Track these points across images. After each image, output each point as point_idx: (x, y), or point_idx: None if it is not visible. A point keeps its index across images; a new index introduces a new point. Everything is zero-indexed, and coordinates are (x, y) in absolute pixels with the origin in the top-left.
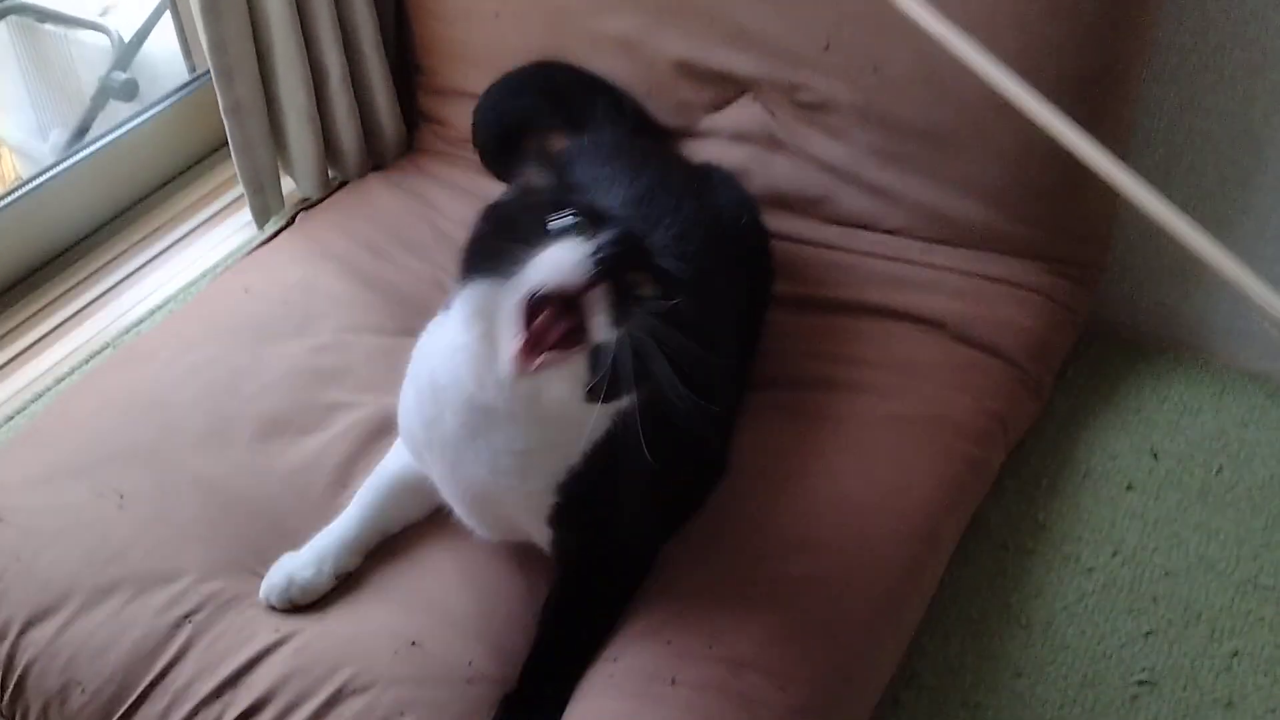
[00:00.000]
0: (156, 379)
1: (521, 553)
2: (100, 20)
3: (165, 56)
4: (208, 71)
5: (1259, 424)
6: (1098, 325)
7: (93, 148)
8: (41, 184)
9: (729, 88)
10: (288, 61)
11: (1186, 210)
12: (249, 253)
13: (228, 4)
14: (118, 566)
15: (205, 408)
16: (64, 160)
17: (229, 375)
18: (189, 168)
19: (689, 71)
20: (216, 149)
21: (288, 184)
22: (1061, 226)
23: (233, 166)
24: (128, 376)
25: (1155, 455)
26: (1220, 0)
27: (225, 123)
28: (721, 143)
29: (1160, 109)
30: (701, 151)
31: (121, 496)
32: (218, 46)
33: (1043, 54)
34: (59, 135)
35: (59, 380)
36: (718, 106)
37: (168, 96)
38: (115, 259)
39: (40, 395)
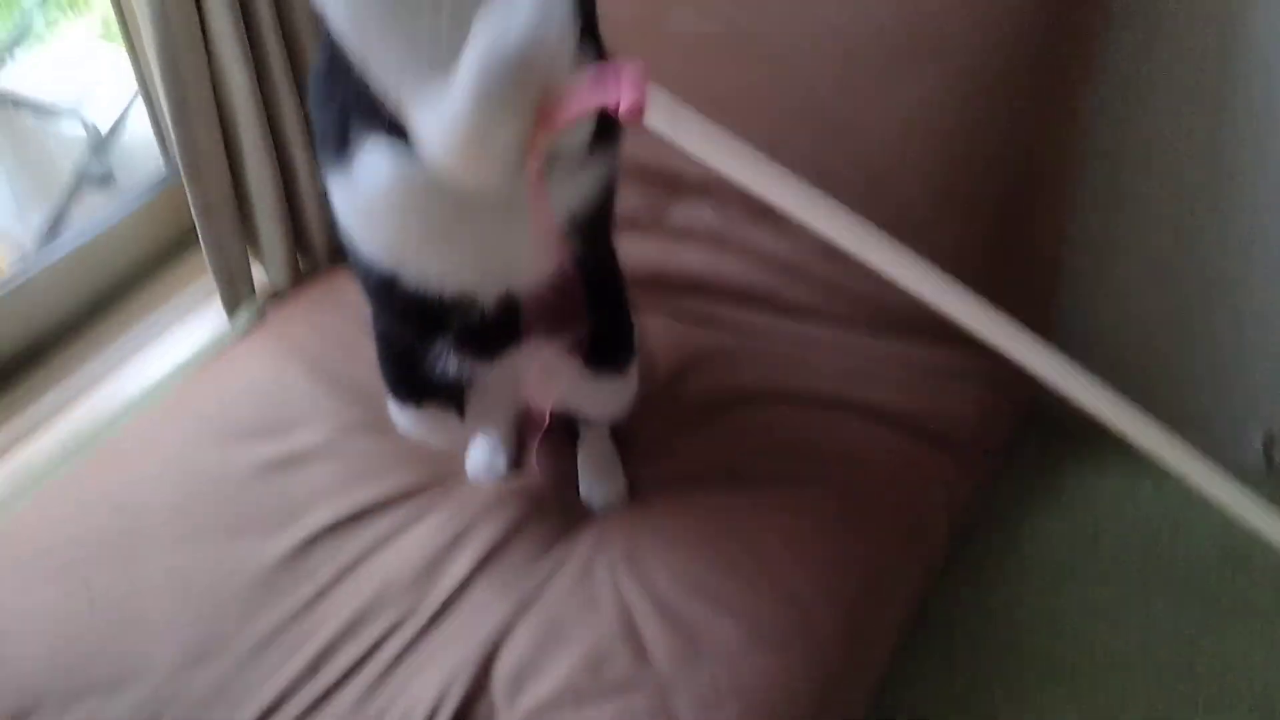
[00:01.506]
0: (129, 481)
1: None
2: (76, 109)
3: (140, 143)
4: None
5: (1199, 507)
6: (1039, 410)
7: (70, 245)
8: (19, 282)
9: (680, 188)
10: (257, 160)
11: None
12: (222, 351)
13: (196, 105)
14: (90, 668)
15: (177, 508)
16: (40, 258)
17: (200, 477)
18: (163, 258)
19: (643, 173)
20: (190, 238)
21: (258, 270)
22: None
23: (202, 256)
24: (102, 478)
25: (1096, 540)
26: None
27: (196, 220)
28: (670, 239)
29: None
30: (651, 246)
31: (92, 597)
32: (188, 146)
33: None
34: (37, 221)
35: (36, 478)
36: (669, 205)
37: (143, 191)
38: (91, 352)
39: (18, 492)
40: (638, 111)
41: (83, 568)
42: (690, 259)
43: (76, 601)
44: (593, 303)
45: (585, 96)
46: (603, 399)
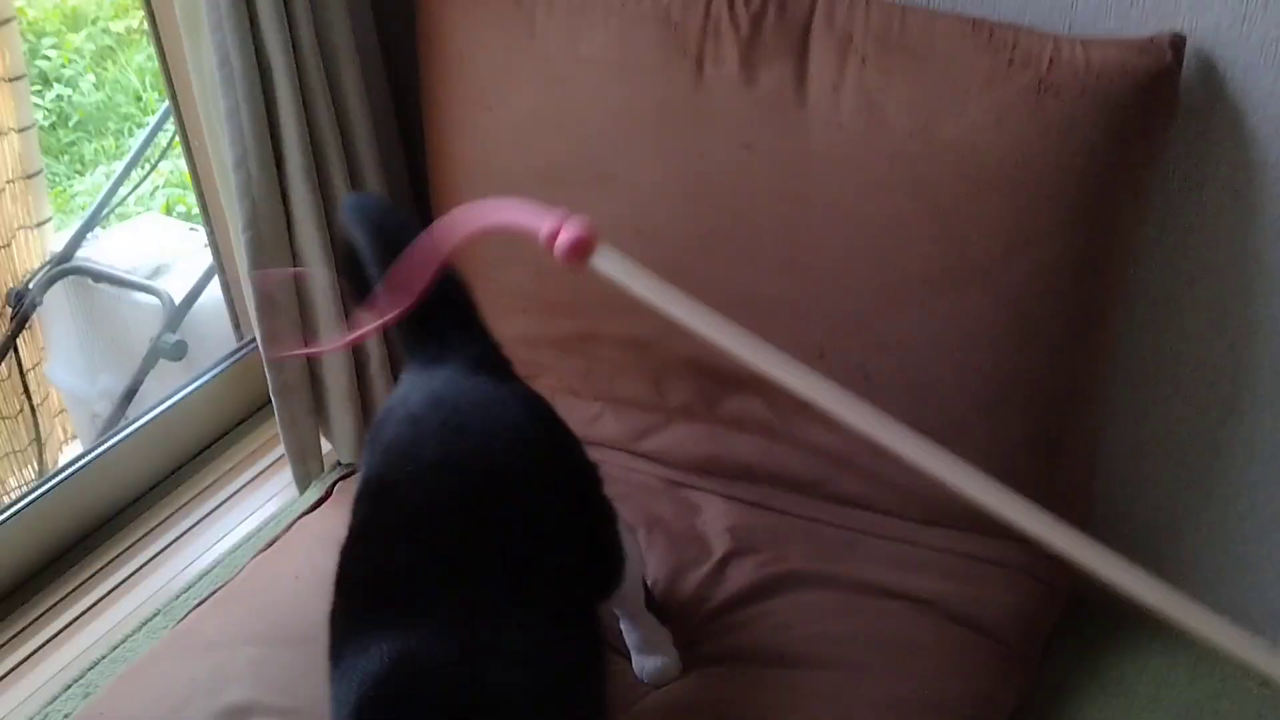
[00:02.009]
0: (214, 669)
1: None
2: (151, 282)
3: (211, 314)
4: (254, 340)
5: (1230, 696)
6: (1081, 598)
7: (145, 418)
8: (98, 452)
9: (732, 382)
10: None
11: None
12: (293, 523)
13: (280, 305)
14: None
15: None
16: (116, 432)
17: (281, 671)
18: (233, 429)
19: (696, 367)
20: (258, 409)
21: (326, 444)
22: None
23: (273, 427)
24: (186, 663)
25: None
26: (1164, 322)
27: (274, 401)
28: (723, 429)
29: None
30: (704, 432)
31: None
32: (269, 340)
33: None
34: (107, 381)
35: (113, 647)
36: (721, 396)
37: (217, 364)
38: (163, 522)
39: (96, 663)
40: (581, 247)
41: None
42: (743, 446)
43: None
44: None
45: (525, 217)
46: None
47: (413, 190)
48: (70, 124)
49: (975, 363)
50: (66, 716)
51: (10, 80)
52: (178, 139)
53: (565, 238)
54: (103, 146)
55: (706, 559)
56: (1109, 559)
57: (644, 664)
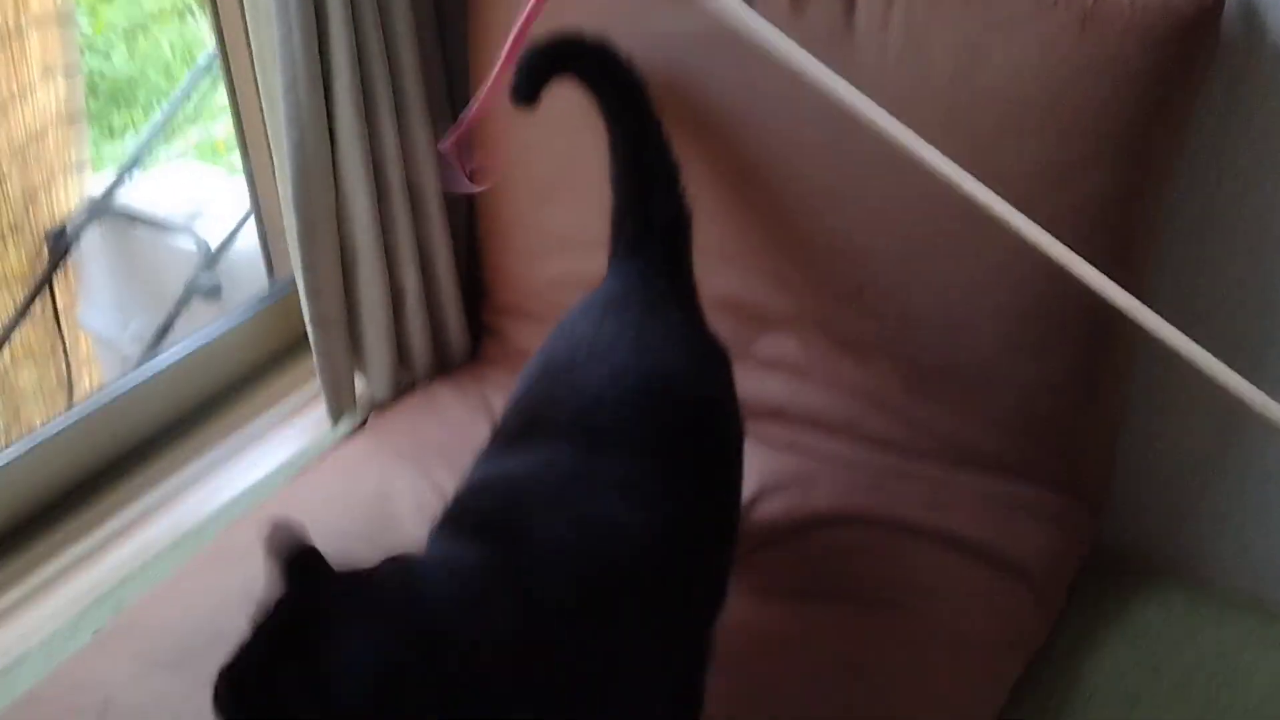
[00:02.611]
0: (246, 578)
1: None
2: (189, 225)
3: (247, 261)
4: (290, 281)
5: (1255, 646)
6: (1105, 548)
7: (179, 351)
8: (130, 385)
9: (768, 321)
10: (370, 283)
11: None
12: (326, 452)
13: (322, 231)
14: None
15: None
16: (149, 364)
17: None
18: (266, 367)
19: (733, 306)
20: (291, 348)
21: (360, 381)
22: (1069, 455)
23: (305, 365)
24: (218, 575)
25: (1158, 671)
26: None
27: (310, 333)
28: (756, 369)
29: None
30: (737, 375)
31: (204, 686)
32: (309, 268)
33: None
34: (139, 325)
35: (144, 566)
36: (756, 337)
37: (252, 305)
38: (195, 453)
39: (125, 580)
40: None
41: (194, 660)
42: (774, 388)
43: (191, 689)
44: None
45: None
46: None
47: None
48: (100, 95)
49: (1013, 300)
50: (97, 629)
51: (60, 22)
52: (221, 78)
53: None
54: (131, 117)
55: None
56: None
57: None
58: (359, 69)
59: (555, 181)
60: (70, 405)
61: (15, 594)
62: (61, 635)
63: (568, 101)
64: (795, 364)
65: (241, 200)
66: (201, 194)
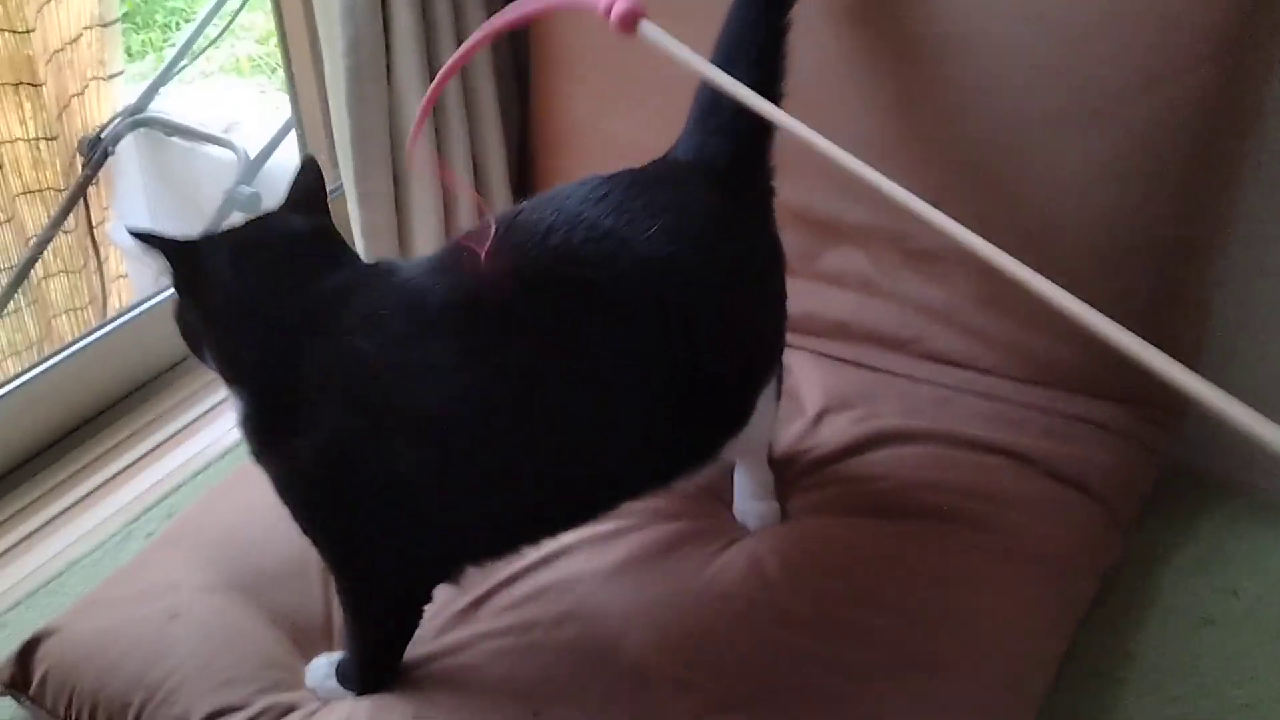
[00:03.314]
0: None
1: None
2: (227, 136)
3: (284, 169)
4: (335, 189)
5: None
6: (1179, 466)
7: None
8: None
9: (835, 234)
10: (422, 188)
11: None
12: None
13: (375, 138)
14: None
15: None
16: None
17: None
18: None
19: (803, 218)
20: None
21: None
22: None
23: None
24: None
25: (1234, 593)
26: None
27: (360, 242)
28: (820, 284)
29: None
30: (801, 288)
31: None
32: (362, 176)
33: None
34: None
35: (195, 474)
36: (822, 250)
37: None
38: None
39: (178, 486)
40: (630, 18)
41: (248, 567)
42: (839, 303)
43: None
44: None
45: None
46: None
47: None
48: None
49: (1095, 209)
50: (150, 534)
51: None
52: None
53: (618, 10)
54: (150, 39)
55: (799, 415)
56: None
57: (752, 508)
58: None
59: (619, 88)
60: (105, 318)
61: (66, 500)
62: (115, 540)
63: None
64: (861, 278)
65: (275, 114)
66: (235, 107)
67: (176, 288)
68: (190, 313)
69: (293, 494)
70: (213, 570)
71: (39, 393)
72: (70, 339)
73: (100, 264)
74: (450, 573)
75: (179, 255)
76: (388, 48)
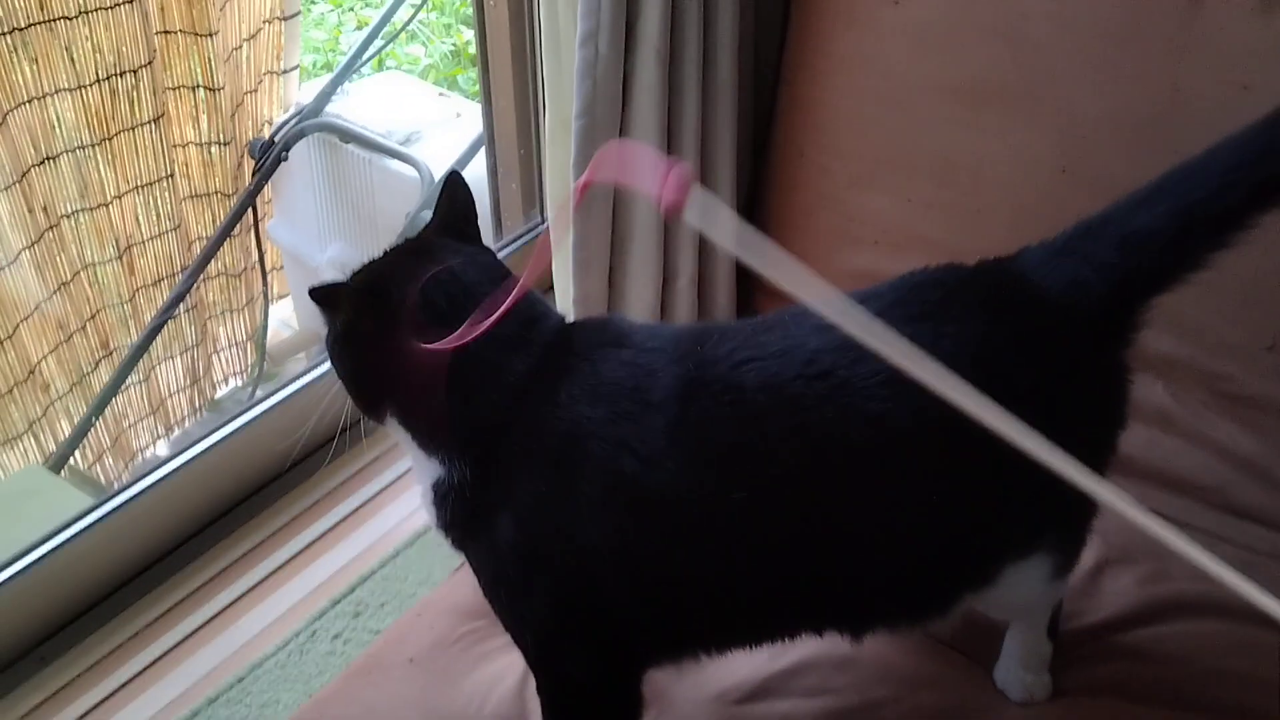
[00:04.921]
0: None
1: None
2: (408, 151)
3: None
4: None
5: None
6: None
7: None
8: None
9: (1136, 362)
10: (643, 260)
11: None
12: None
13: (597, 202)
14: None
15: None
16: None
17: None
18: None
19: None
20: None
21: None
22: None
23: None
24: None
25: None
26: None
27: (571, 310)
28: None
29: None
30: None
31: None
32: (581, 242)
33: None
34: (337, 249)
35: (383, 562)
36: None
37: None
38: None
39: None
40: (677, 209)
41: None
42: (1131, 438)
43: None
44: None
45: (635, 176)
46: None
47: (754, 81)
48: None
49: None
50: (336, 635)
51: None
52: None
53: (667, 199)
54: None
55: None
56: None
57: (1017, 677)
58: (670, 20)
59: (880, 162)
60: (264, 321)
61: (242, 583)
62: (300, 639)
63: (909, 70)
64: (1159, 413)
65: (456, 123)
66: (412, 109)
67: (353, 338)
68: (373, 367)
69: (495, 569)
70: None
71: (211, 461)
72: (225, 341)
73: (261, 262)
74: (634, 671)
75: (367, 304)
76: (624, 103)
